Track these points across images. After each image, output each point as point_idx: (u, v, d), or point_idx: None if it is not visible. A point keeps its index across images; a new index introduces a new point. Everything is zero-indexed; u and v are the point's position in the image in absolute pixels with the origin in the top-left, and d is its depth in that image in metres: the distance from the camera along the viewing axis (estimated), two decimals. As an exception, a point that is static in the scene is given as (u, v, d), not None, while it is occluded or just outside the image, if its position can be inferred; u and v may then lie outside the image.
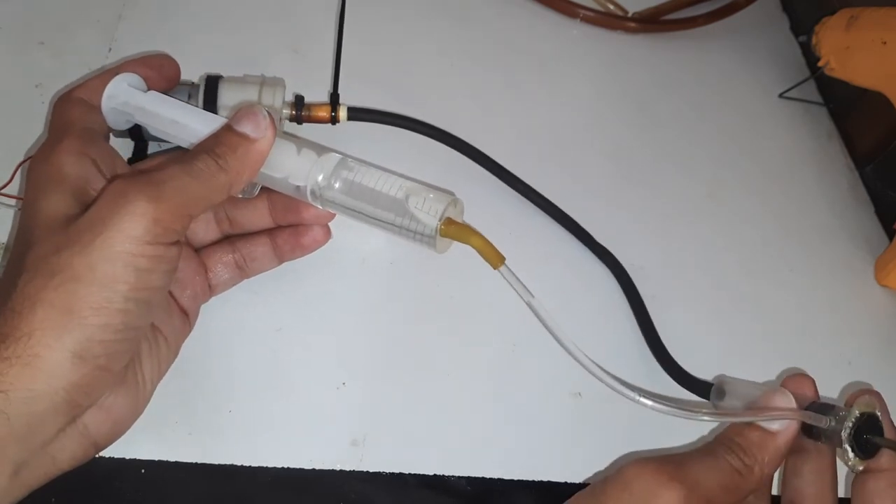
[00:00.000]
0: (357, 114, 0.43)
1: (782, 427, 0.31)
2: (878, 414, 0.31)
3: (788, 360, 0.43)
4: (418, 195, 0.34)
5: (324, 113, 0.42)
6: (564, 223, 0.45)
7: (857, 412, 0.31)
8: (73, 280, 0.27)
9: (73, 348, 0.27)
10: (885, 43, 0.49)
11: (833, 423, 0.31)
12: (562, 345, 0.33)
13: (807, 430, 0.32)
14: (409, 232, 0.35)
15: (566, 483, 0.37)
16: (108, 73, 0.35)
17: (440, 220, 0.34)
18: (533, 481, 0.36)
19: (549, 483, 0.36)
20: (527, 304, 0.34)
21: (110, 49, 0.47)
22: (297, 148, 0.35)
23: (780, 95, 0.58)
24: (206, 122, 0.34)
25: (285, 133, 0.36)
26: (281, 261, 0.38)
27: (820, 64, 0.53)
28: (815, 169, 0.55)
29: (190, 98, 0.40)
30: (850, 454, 0.31)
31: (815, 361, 0.44)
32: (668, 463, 0.30)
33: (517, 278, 0.34)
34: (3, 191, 0.38)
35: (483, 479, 0.36)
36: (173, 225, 0.29)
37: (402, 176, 0.35)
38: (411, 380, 0.38)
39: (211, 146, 0.31)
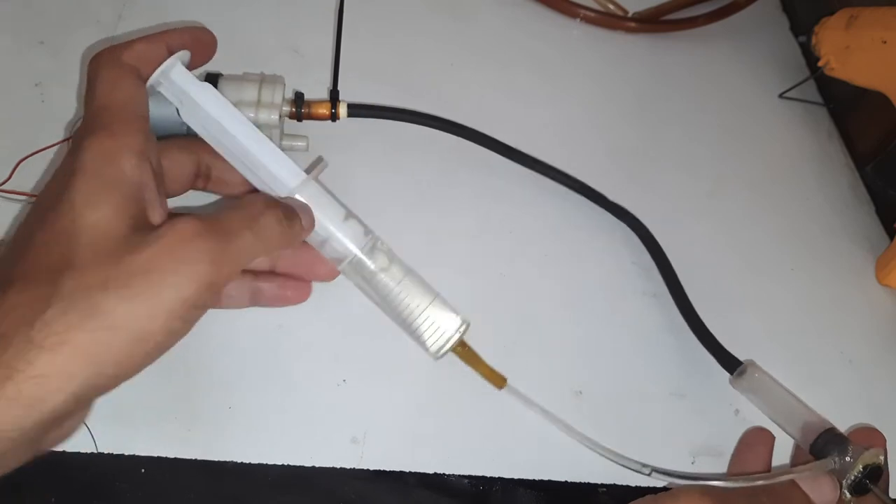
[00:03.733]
0: (357, 110, 0.43)
1: (822, 499, 0.33)
2: (881, 463, 0.34)
3: (789, 359, 0.43)
4: (431, 316, 0.35)
5: (324, 110, 0.42)
6: (578, 189, 0.46)
7: (860, 466, 0.34)
8: (110, 329, 0.25)
9: (76, 391, 0.25)
10: (885, 42, 0.49)
11: (837, 466, 0.34)
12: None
13: (814, 453, 0.35)
14: (418, 341, 0.36)
15: (567, 482, 0.37)
16: (154, 39, 0.31)
17: (451, 345, 0.36)
18: (533, 480, 0.36)
19: (550, 482, 0.36)
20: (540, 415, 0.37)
21: (110, 48, 0.47)
22: (344, 213, 0.35)
23: (781, 95, 0.58)
24: (254, 139, 0.33)
25: (331, 195, 0.36)
26: (253, 304, 0.36)
27: (820, 64, 0.53)
28: (816, 169, 0.55)
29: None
30: (848, 495, 0.34)
31: (816, 360, 0.44)
32: (719, 499, 0.31)
33: (522, 395, 0.37)
34: (3, 186, 0.38)
35: (483, 477, 0.36)
36: (222, 288, 0.28)
37: (422, 283, 0.36)
38: (412, 377, 0.38)
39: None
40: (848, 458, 0.34)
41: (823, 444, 0.35)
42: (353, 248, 0.34)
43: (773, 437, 0.39)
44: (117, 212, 0.27)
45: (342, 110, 0.43)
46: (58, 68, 0.44)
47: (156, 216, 0.29)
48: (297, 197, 0.33)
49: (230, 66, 0.42)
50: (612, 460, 0.36)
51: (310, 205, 0.34)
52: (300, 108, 0.42)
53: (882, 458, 0.34)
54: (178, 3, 0.50)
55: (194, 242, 0.27)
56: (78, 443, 0.32)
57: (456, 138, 0.45)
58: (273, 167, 0.33)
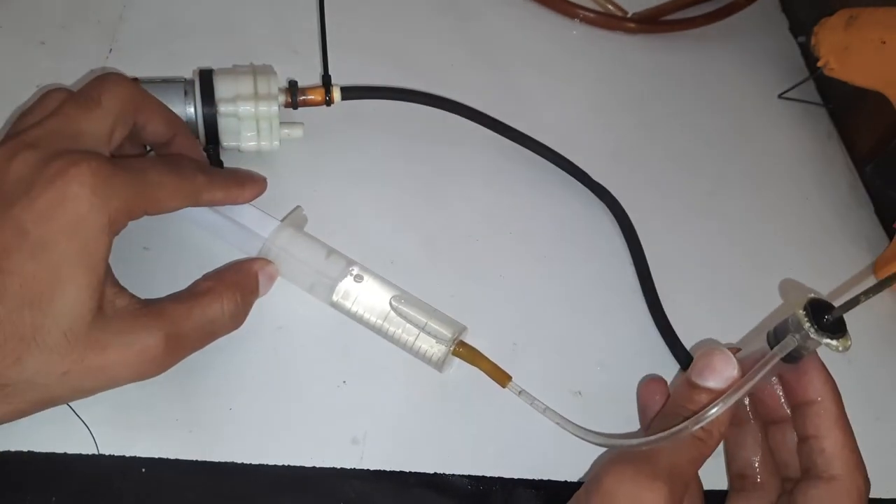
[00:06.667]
0: (351, 93, 0.44)
1: (728, 384, 0.31)
2: (817, 296, 0.31)
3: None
4: (423, 340, 0.37)
5: (318, 96, 0.43)
6: (568, 168, 0.48)
7: (800, 311, 0.30)
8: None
9: None
10: (884, 43, 0.49)
11: (798, 337, 0.30)
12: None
13: (786, 358, 0.31)
14: (417, 354, 0.37)
15: (566, 482, 0.37)
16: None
17: (451, 346, 0.37)
18: (533, 480, 0.36)
19: (550, 482, 0.36)
20: (542, 413, 0.36)
21: (111, 49, 0.47)
22: (326, 251, 0.37)
23: (780, 96, 0.58)
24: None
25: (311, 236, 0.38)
26: None
27: (819, 64, 0.53)
28: (815, 169, 0.55)
29: (186, 94, 0.40)
30: (834, 342, 0.30)
31: (816, 360, 0.44)
32: (643, 462, 0.29)
33: (527, 392, 0.36)
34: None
35: (483, 477, 0.36)
36: None
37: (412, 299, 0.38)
38: (412, 377, 0.38)
39: None
40: (791, 322, 0.30)
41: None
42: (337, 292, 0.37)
43: (664, 386, 0.37)
44: (94, 291, 0.29)
45: (336, 94, 0.43)
46: (58, 69, 0.44)
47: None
48: (272, 244, 0.37)
49: (220, 58, 0.42)
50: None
51: (286, 251, 0.37)
52: (295, 96, 0.42)
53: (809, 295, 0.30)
54: (177, 5, 0.50)
55: (155, 359, 0.31)
56: (79, 444, 0.32)
57: (453, 116, 0.46)
58: (247, 221, 0.37)
